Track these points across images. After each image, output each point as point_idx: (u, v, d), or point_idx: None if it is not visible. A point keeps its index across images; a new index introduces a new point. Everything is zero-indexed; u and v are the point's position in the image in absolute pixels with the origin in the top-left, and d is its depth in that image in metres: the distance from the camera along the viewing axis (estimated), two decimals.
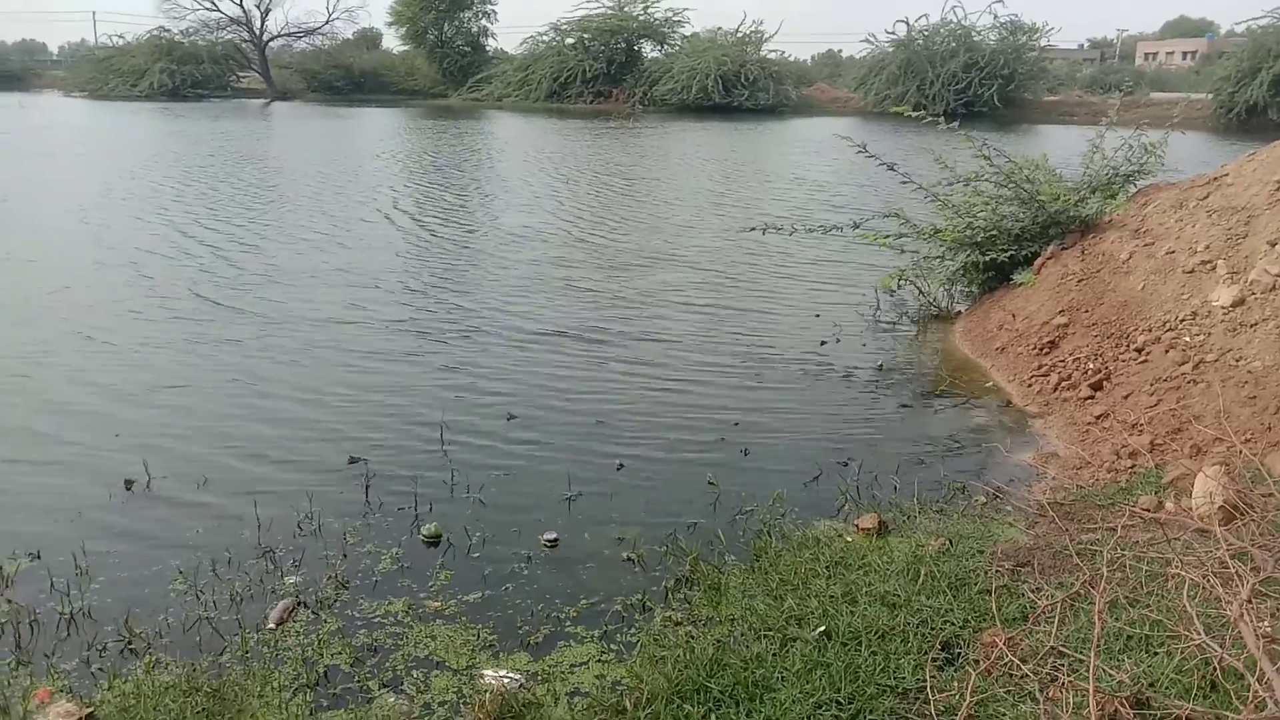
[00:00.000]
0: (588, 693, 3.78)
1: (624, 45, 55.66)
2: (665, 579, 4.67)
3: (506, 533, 5.16)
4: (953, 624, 3.96)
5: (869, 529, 4.96)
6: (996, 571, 4.33)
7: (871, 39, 49.52)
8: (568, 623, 4.32)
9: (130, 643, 4.11)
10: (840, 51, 77.84)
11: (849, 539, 4.91)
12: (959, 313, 9.83)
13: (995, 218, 9.34)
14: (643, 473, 5.98)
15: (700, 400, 7.30)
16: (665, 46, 56.84)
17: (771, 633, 3.99)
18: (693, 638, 4.04)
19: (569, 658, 4.05)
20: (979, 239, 9.33)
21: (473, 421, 6.79)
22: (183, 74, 58.32)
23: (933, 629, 3.93)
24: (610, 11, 56.17)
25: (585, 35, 55.54)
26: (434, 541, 5.06)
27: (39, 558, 4.80)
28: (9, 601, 4.39)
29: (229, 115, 44.15)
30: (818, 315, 9.89)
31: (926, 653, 3.75)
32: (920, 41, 47.67)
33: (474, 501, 5.54)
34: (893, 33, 48.51)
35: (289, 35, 68.38)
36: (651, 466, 6.08)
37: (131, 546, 4.96)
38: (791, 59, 59.77)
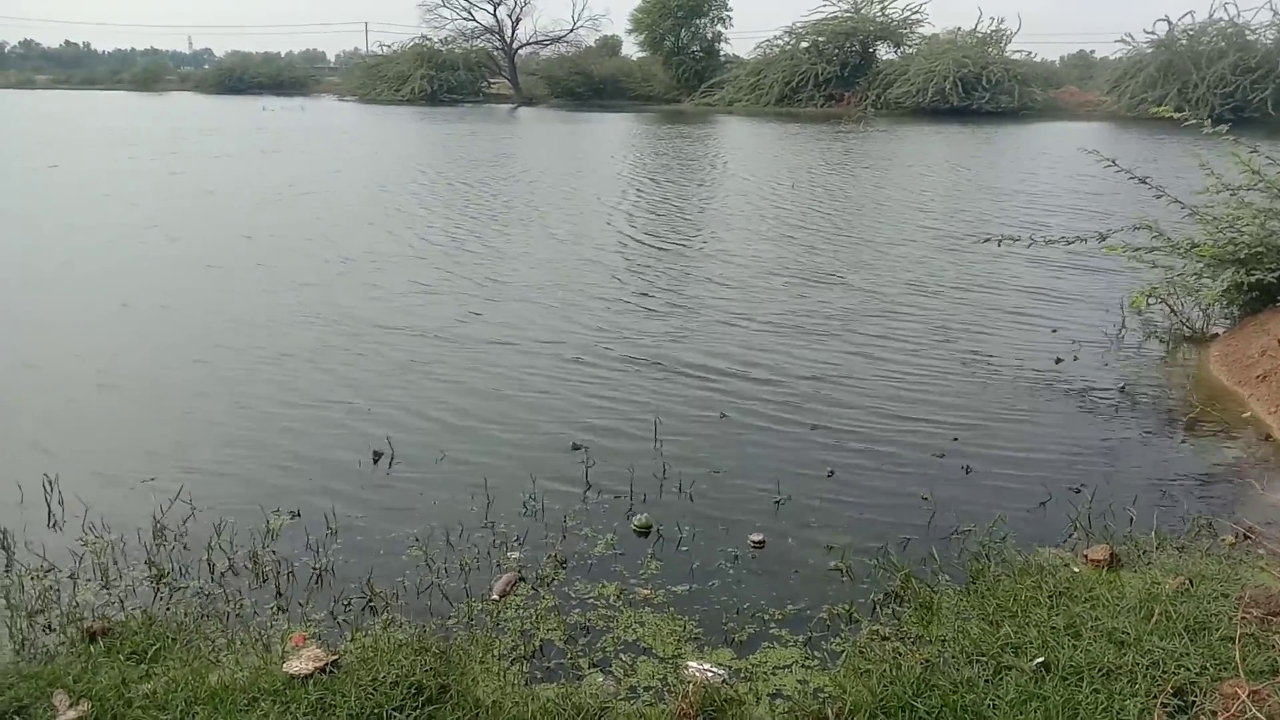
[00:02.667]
0: (789, 696, 3.79)
1: (858, 47, 54.55)
2: (873, 592, 4.59)
3: (715, 530, 5.24)
4: (1188, 669, 3.66)
5: (1099, 561, 4.66)
6: (1243, 618, 3.97)
7: (1128, 39, 46.11)
8: (772, 625, 4.34)
9: (371, 600, 4.51)
10: (1093, 52, 72.67)
11: (1076, 569, 4.64)
12: (1215, 335, 9.01)
13: (1263, 233, 8.48)
14: (855, 482, 5.89)
15: (920, 412, 7.09)
16: (901, 48, 55.26)
17: (985, 658, 3.85)
18: (900, 654, 3.96)
19: (772, 659, 4.07)
20: (1242, 255, 8.50)
21: (686, 418, 6.93)
22: (440, 80, 62.51)
23: (1164, 672, 3.66)
24: (847, 13, 55.25)
25: (820, 38, 54.88)
26: (645, 532, 5.21)
27: (298, 516, 5.35)
28: (273, 553, 4.92)
29: (484, 119, 46.99)
30: (1055, 330, 9.36)
31: (1156, 697, 3.49)
32: (1184, 41, 43.81)
33: (684, 496, 5.66)
34: (1152, 32, 44.91)
35: (536, 43, 71.99)
36: (865, 477, 5.98)
37: (375, 512, 5.43)
38: (1038, 60, 56.62)
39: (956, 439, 6.56)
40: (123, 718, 3.46)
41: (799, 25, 56.41)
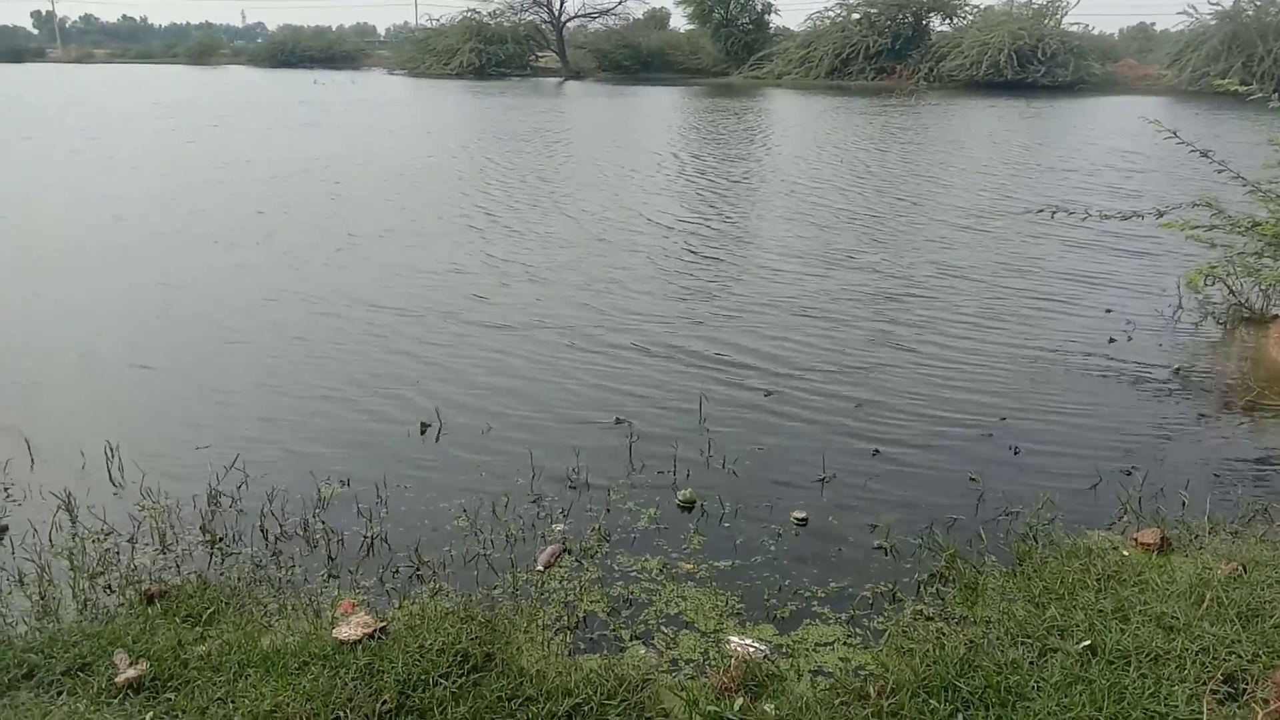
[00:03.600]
0: (831, 674, 3.79)
1: (911, 19, 53.56)
2: (918, 572, 4.58)
3: (758, 506, 5.25)
4: (1239, 656, 3.61)
5: (1149, 545, 4.59)
6: None
7: (1191, 10, 44.64)
8: (814, 602, 4.35)
9: (418, 569, 4.59)
10: (1153, 24, 70.59)
11: (1125, 553, 4.58)
12: (1276, 316, 8.78)
13: None
14: (900, 461, 5.86)
15: (967, 391, 7.02)
16: (955, 20, 54.17)
17: (1030, 640, 3.82)
18: (943, 634, 3.94)
19: (814, 636, 4.08)
20: None
21: (731, 394, 6.93)
22: (489, 53, 62.53)
23: (1215, 659, 3.60)
24: None
25: (872, 10, 53.97)
26: (688, 506, 5.23)
27: (348, 485, 5.45)
28: (323, 521, 5.02)
29: (530, 92, 47.04)
30: (1109, 310, 9.18)
31: (1205, 683, 3.45)
32: (1250, 13, 42.34)
33: (728, 472, 5.67)
34: (1217, 3, 43.42)
35: (584, 16, 71.55)
36: (910, 456, 5.94)
37: (423, 483, 5.52)
38: (1096, 32, 55.19)
39: (1004, 419, 6.48)
40: (179, 678, 3.57)
41: None
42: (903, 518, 5.10)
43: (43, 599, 4.23)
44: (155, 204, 14.74)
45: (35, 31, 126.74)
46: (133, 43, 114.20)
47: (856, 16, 54.55)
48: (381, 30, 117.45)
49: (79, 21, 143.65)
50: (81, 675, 3.57)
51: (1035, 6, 50.17)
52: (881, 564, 4.68)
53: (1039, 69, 46.22)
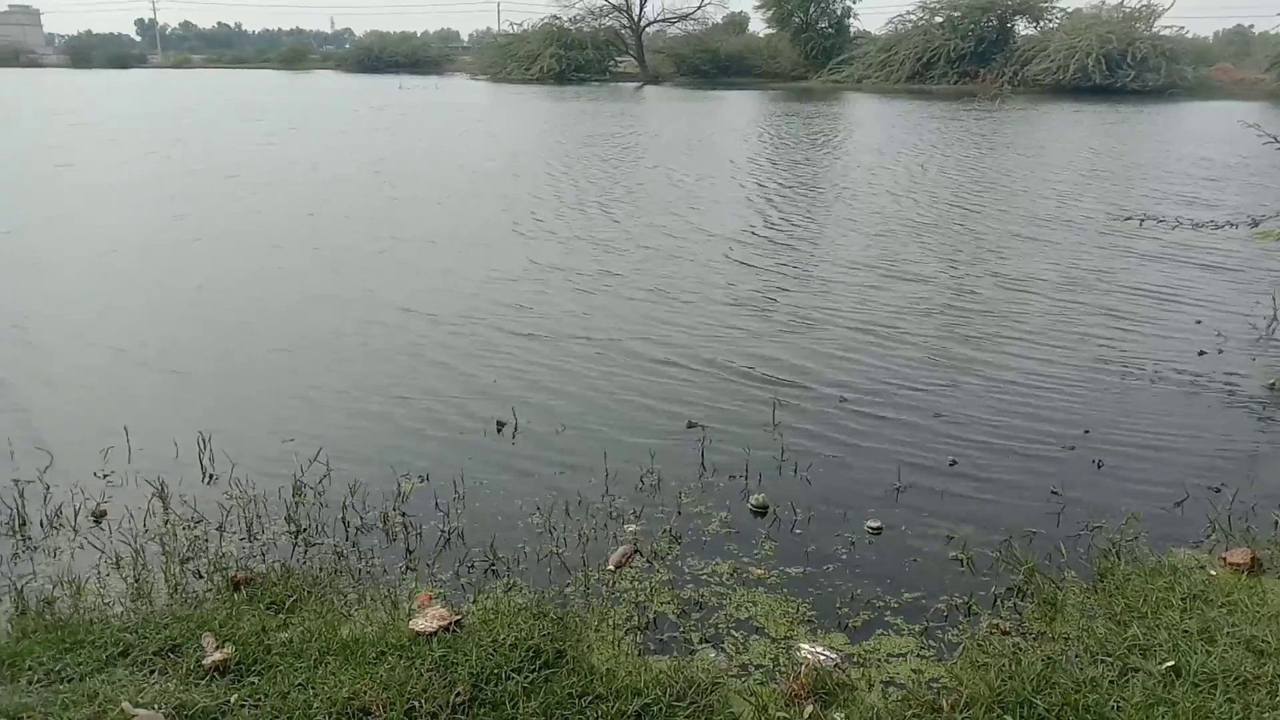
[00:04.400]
0: (903, 685, 3.75)
1: (995, 23, 52.61)
2: (995, 585, 4.49)
3: (832, 514, 5.21)
4: None
5: (1239, 564, 4.44)
6: None
7: None
8: (887, 612, 4.30)
9: (493, 564, 4.67)
10: (1251, 27, 67.96)
11: (1212, 572, 4.43)
12: None
13: None
14: (978, 473, 5.75)
15: (1049, 402, 6.86)
16: (1041, 23, 52.97)
17: (1110, 659, 3.73)
18: (1020, 650, 3.87)
19: (886, 647, 4.03)
20: None
21: (806, 400, 6.89)
22: (568, 59, 63.19)
23: None
24: None
25: (955, 13, 53.14)
26: (761, 512, 5.22)
27: (426, 480, 5.57)
28: (402, 515, 5.14)
29: (609, 97, 47.41)
30: (1199, 322, 8.88)
31: None
32: None
33: (801, 479, 5.64)
34: None
35: (663, 21, 71.87)
36: (988, 467, 5.83)
37: (499, 480, 5.61)
38: (1190, 36, 53.46)
39: (1088, 431, 6.32)
40: (262, 662, 3.69)
41: (933, 0, 54.68)
42: (980, 530, 5.02)
43: (137, 581, 4.42)
44: (224, 202, 15.25)
45: (138, 39, 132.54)
46: (227, 49, 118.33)
47: (939, 19, 53.78)
48: (465, 36, 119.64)
49: (178, 29, 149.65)
50: (172, 656, 3.72)
51: (1126, 10, 48.77)
52: (957, 576, 4.61)
53: (1128, 73, 44.97)
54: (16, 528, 4.97)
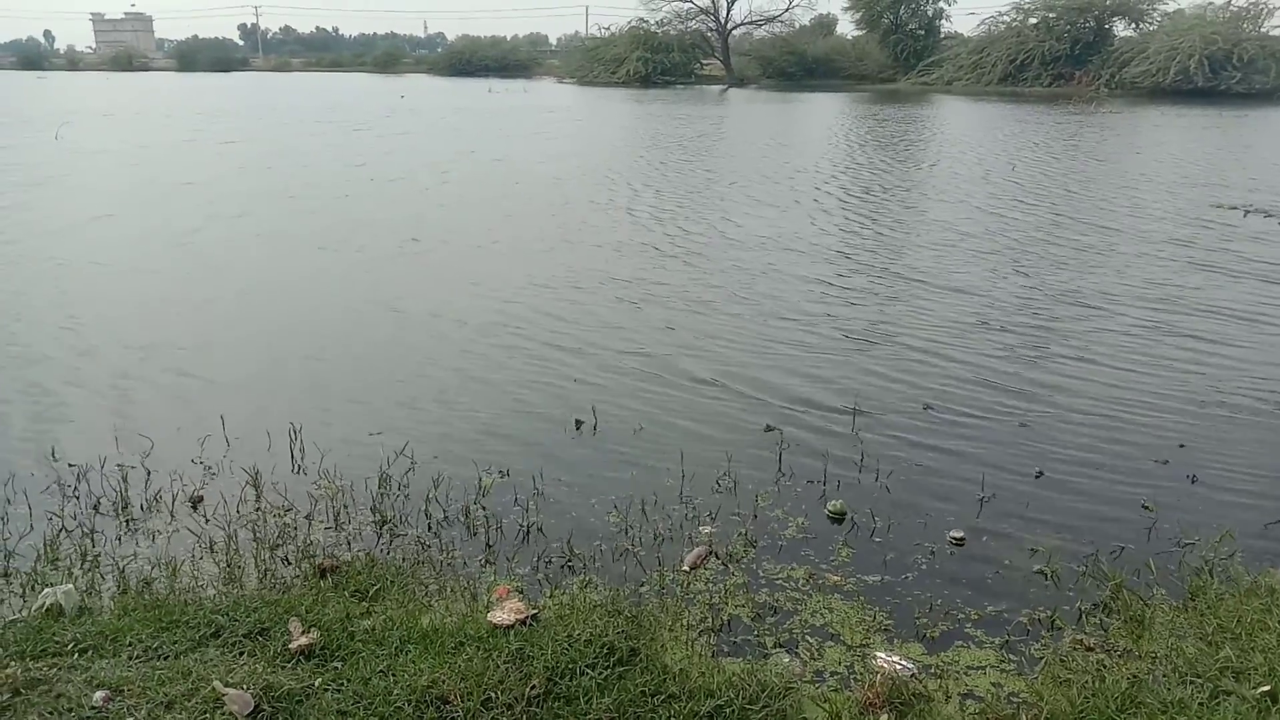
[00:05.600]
0: (981, 698, 3.68)
1: (1093, 24, 51.09)
2: (1080, 600, 4.37)
3: (912, 523, 5.13)
4: None
5: None
6: None
7: None
8: (967, 624, 4.22)
9: (570, 561, 4.72)
10: None
11: None
12: None
13: None
14: (1065, 484, 5.60)
15: (1141, 417, 6.63)
16: (1141, 25, 51.21)
17: (1200, 680, 3.59)
18: (1105, 667, 3.76)
19: (965, 659, 3.96)
20: None
21: (888, 406, 6.80)
22: (655, 62, 63.52)
23: None
24: None
25: (1050, 14, 51.81)
26: (838, 518, 5.17)
27: (507, 475, 5.67)
28: (483, 509, 5.24)
29: (693, 100, 47.42)
30: None
31: None
32: None
33: (881, 486, 5.56)
34: None
35: (750, 23, 71.70)
36: (1076, 479, 5.67)
37: (577, 478, 5.67)
38: None
39: (1182, 445, 6.10)
40: (345, 648, 3.79)
41: (1027, 1, 53.37)
42: (1065, 543, 4.89)
43: (229, 565, 4.60)
44: (280, 201, 15.70)
45: (241, 43, 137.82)
46: (325, 52, 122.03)
47: (1033, 21, 52.52)
48: (553, 40, 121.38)
49: (279, 33, 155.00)
50: (260, 639, 3.85)
51: (1233, 10, 46.84)
52: (1041, 589, 4.50)
53: (1233, 75, 43.19)
54: (119, 510, 5.21)
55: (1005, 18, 54.59)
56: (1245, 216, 8.78)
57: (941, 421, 6.55)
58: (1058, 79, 49.90)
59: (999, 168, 20.34)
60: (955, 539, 4.95)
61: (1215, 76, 43.40)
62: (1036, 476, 5.70)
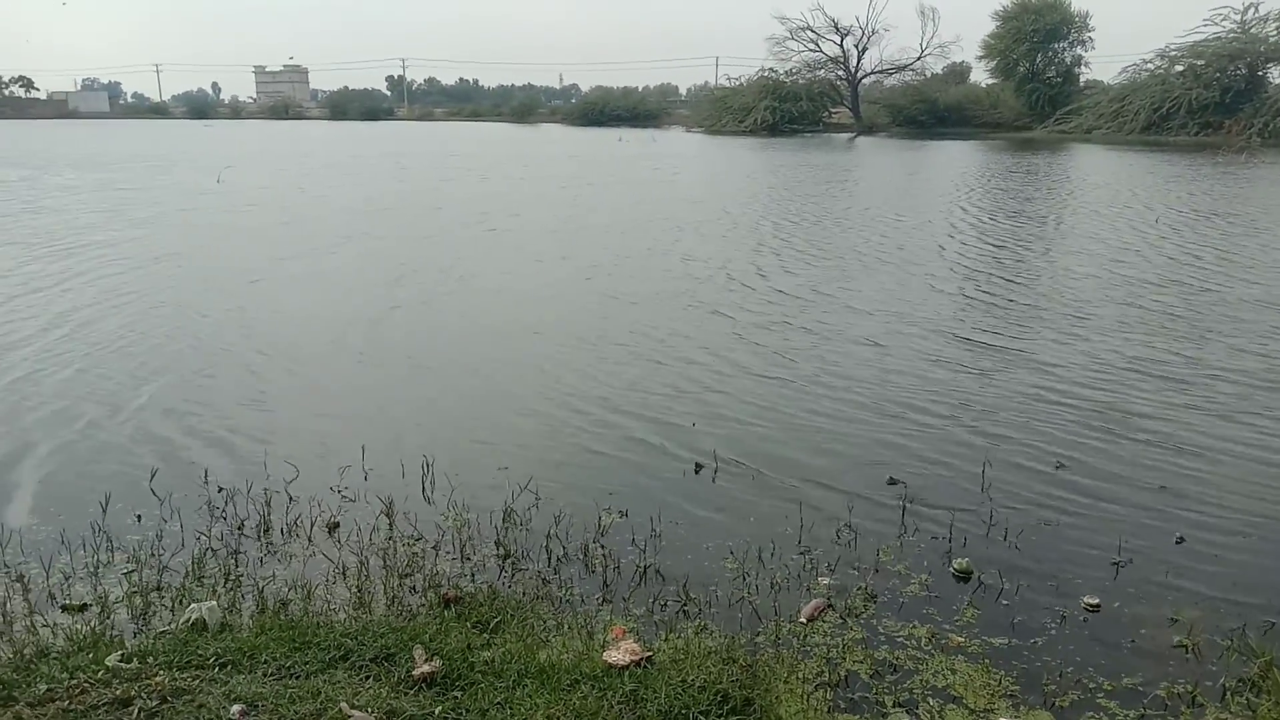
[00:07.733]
0: None
1: (1244, 71, 48.73)
2: (1224, 676, 4.12)
3: (1043, 585, 4.94)
4: None
5: None
6: None
7: None
8: (1100, 694, 4.03)
9: (685, 605, 4.74)
10: None
11: None
12: None
13: None
14: (1209, 552, 5.30)
15: None
16: None
17: None
18: None
19: None
20: None
21: (1018, 463, 6.58)
22: (782, 110, 63.84)
23: None
24: (1232, 34, 49.52)
25: (1198, 61, 49.69)
26: (964, 577, 5.03)
27: (625, 515, 5.74)
28: (602, 548, 5.32)
29: (820, 148, 47.36)
30: None
31: None
32: None
33: (1010, 546, 5.38)
34: None
35: (880, 72, 71.26)
36: (1220, 547, 5.35)
37: (694, 520, 5.69)
38: None
39: None
40: (465, 678, 3.89)
41: (1173, 48, 51.61)
42: (1209, 614, 4.62)
43: (359, 591, 4.80)
44: (462, 231, 16.30)
45: (388, 94, 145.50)
46: (465, 103, 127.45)
47: (1179, 68, 50.46)
48: (683, 90, 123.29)
49: (423, 84, 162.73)
50: (386, 664, 3.99)
51: None
52: (1181, 663, 4.26)
53: None
54: (262, 533, 5.51)
55: (1150, 65, 52.75)
56: None
57: (1075, 481, 6.29)
58: (1206, 128, 47.71)
59: (1145, 223, 19.51)
60: (1090, 605, 4.74)
61: None
62: (1177, 542, 5.41)
